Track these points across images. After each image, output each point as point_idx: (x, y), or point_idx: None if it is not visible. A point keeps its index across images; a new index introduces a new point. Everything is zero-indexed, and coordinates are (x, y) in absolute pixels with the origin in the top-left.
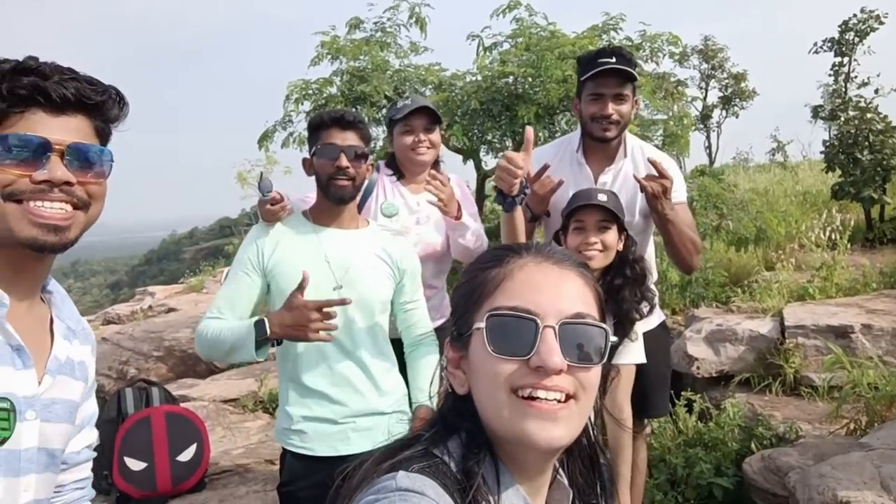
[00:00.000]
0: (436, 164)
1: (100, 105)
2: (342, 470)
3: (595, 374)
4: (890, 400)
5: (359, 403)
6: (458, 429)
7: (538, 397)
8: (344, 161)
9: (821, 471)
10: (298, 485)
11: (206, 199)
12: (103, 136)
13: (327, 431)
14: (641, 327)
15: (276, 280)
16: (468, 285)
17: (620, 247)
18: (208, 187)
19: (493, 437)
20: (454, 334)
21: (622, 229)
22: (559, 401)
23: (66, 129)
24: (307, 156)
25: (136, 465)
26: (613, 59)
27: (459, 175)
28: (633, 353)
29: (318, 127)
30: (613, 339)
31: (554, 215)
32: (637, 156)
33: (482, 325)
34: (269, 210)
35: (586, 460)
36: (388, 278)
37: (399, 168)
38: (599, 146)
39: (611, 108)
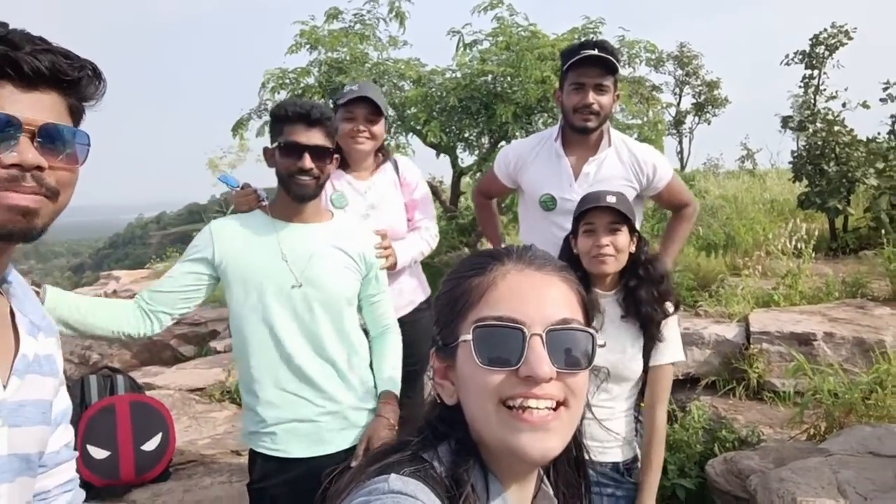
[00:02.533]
0: (380, 150)
1: (76, 81)
2: (328, 472)
3: (584, 378)
4: (849, 407)
5: (330, 401)
6: (446, 437)
7: (529, 407)
8: (308, 162)
9: (781, 475)
10: (270, 482)
11: (176, 183)
12: (76, 116)
13: (300, 432)
14: (672, 325)
15: (225, 275)
16: (450, 294)
17: (633, 248)
18: (179, 172)
19: (483, 446)
20: (439, 344)
21: (633, 230)
22: (550, 409)
23: (38, 107)
24: (268, 146)
25: (99, 453)
26: (596, 50)
27: (432, 171)
28: (666, 353)
29: (282, 120)
30: (601, 342)
31: (528, 192)
32: (621, 148)
33: (469, 336)
34: (243, 197)
35: (571, 462)
36: (353, 271)
37: (343, 157)
38: (580, 138)
39: (592, 97)
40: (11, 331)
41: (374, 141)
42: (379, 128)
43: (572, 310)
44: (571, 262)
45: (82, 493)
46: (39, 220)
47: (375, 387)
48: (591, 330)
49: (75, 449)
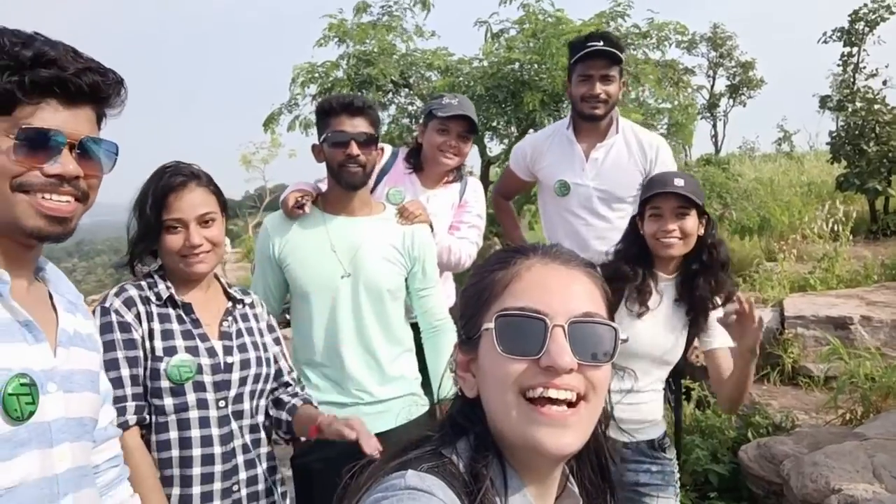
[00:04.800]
0: (458, 169)
1: (108, 96)
2: (350, 468)
3: (605, 372)
4: (886, 391)
5: (366, 393)
6: (466, 432)
7: (549, 398)
8: (355, 149)
9: (814, 459)
10: (310, 458)
11: None
12: (100, 122)
13: (337, 415)
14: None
15: (288, 271)
16: (475, 288)
17: (701, 231)
18: (211, 168)
19: (502, 440)
20: (462, 338)
21: (702, 213)
22: (570, 403)
23: (77, 121)
24: (316, 142)
25: None
26: (601, 43)
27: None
28: (718, 337)
29: (328, 113)
30: (623, 337)
31: (544, 181)
32: (629, 134)
33: (491, 325)
34: (292, 209)
35: (595, 466)
36: (398, 265)
37: (419, 163)
38: (590, 125)
39: (598, 87)
40: (52, 310)
41: (460, 158)
42: (468, 147)
43: (596, 304)
44: (637, 240)
45: (127, 469)
46: (72, 222)
47: (427, 379)
48: (613, 324)
49: None
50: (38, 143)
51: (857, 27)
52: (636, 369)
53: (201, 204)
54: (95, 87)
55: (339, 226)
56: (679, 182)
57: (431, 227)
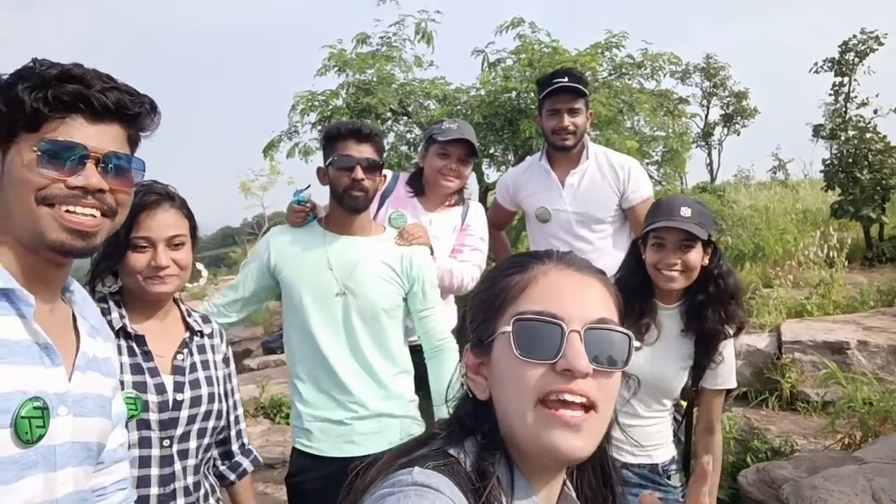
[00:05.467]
0: (460, 192)
1: (136, 115)
2: (355, 466)
3: (616, 380)
4: (884, 415)
5: (362, 407)
6: (474, 432)
7: (563, 401)
8: (360, 173)
9: (813, 483)
10: (305, 477)
11: (209, 207)
12: (133, 144)
13: (333, 432)
14: (730, 348)
15: (283, 282)
16: (489, 291)
17: (706, 262)
18: (211, 196)
19: (511, 442)
20: (474, 340)
21: (707, 244)
22: (584, 409)
23: (103, 137)
24: (321, 165)
25: None
26: (566, 79)
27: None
28: (720, 377)
29: (335, 138)
30: (637, 345)
31: (528, 209)
32: (601, 158)
33: (508, 328)
34: (297, 213)
35: (598, 473)
36: (395, 284)
37: (421, 186)
38: (562, 154)
39: (567, 120)
40: (73, 333)
41: (460, 181)
42: (468, 170)
43: (610, 311)
44: (637, 268)
45: (135, 493)
46: (97, 238)
47: (425, 400)
48: (627, 332)
49: None
50: (60, 155)
51: (847, 58)
52: (635, 399)
53: (173, 225)
54: (121, 105)
55: (338, 245)
56: (686, 213)
57: (431, 250)
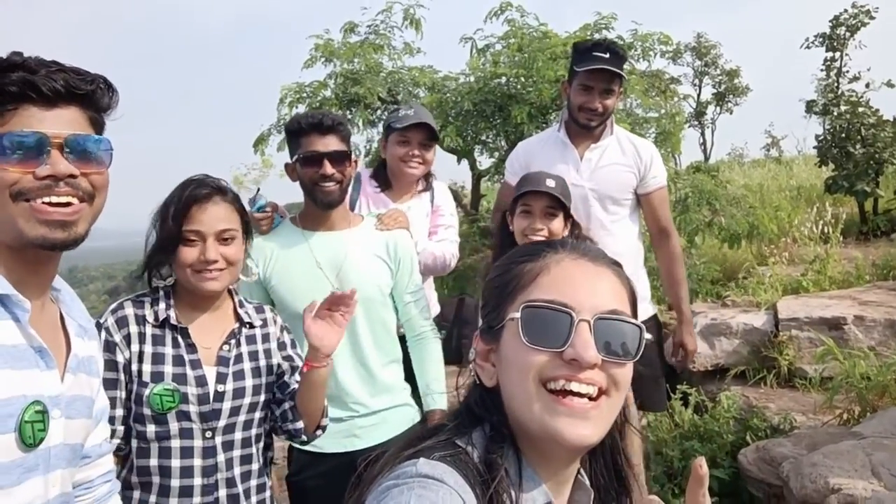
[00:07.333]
0: (426, 177)
1: (90, 95)
2: (364, 458)
3: (628, 370)
4: (882, 389)
5: (362, 406)
6: (482, 421)
7: (571, 390)
8: (329, 168)
9: (813, 459)
10: (306, 475)
11: None
12: (98, 127)
13: (332, 429)
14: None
15: (274, 292)
16: (501, 279)
17: (566, 233)
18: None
19: (520, 431)
20: (485, 327)
21: (568, 216)
22: (591, 398)
23: (61, 122)
24: (289, 161)
25: None
26: (607, 55)
27: (453, 176)
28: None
29: (297, 133)
30: (648, 336)
31: None
32: (622, 137)
33: (517, 315)
34: (262, 219)
35: (609, 461)
36: (385, 269)
37: (386, 179)
38: (584, 130)
39: (597, 102)
40: (62, 333)
41: (425, 166)
42: (431, 154)
43: (622, 303)
44: (506, 238)
45: (118, 484)
46: (79, 227)
47: (414, 387)
48: (639, 324)
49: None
50: (20, 147)
51: (838, 32)
52: None
53: (223, 219)
54: (71, 86)
55: (321, 241)
56: (551, 183)
57: (411, 234)
